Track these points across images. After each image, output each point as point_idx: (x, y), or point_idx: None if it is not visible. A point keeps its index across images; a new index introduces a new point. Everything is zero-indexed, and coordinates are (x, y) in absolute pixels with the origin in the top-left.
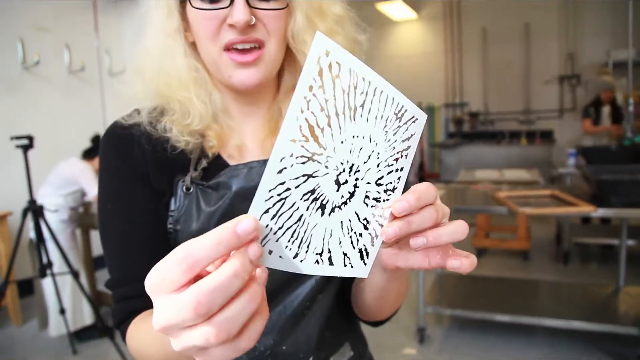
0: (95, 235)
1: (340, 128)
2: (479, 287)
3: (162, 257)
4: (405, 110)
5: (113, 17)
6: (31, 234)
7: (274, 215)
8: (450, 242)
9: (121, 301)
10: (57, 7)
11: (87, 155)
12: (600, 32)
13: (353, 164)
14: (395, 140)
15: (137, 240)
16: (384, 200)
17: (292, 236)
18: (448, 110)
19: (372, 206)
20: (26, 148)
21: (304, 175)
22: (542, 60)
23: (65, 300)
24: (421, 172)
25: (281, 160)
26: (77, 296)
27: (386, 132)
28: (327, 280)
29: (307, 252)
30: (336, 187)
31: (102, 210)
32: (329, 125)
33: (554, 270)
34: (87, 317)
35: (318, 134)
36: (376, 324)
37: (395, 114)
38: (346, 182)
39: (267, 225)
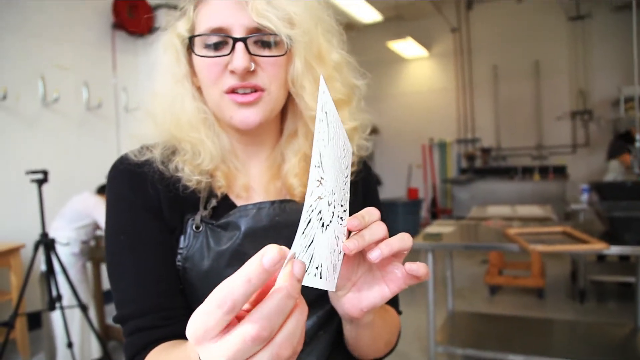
0: (105, 269)
1: (332, 152)
2: (492, 326)
3: (174, 288)
4: (351, 153)
5: (130, 55)
6: (42, 266)
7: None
8: (400, 250)
9: (135, 334)
10: (77, 45)
11: (102, 190)
12: (610, 67)
13: (332, 187)
14: (345, 184)
15: (151, 272)
16: (341, 219)
17: (311, 257)
18: (460, 146)
19: (340, 224)
20: (41, 182)
21: (315, 200)
22: (553, 96)
23: (73, 334)
24: (434, 208)
25: (311, 194)
26: (85, 330)
27: (346, 167)
28: (328, 317)
29: (311, 266)
30: (327, 205)
31: (113, 242)
32: (327, 153)
33: (569, 309)
34: (94, 351)
35: (324, 150)
36: None
37: (345, 151)
38: (329, 203)
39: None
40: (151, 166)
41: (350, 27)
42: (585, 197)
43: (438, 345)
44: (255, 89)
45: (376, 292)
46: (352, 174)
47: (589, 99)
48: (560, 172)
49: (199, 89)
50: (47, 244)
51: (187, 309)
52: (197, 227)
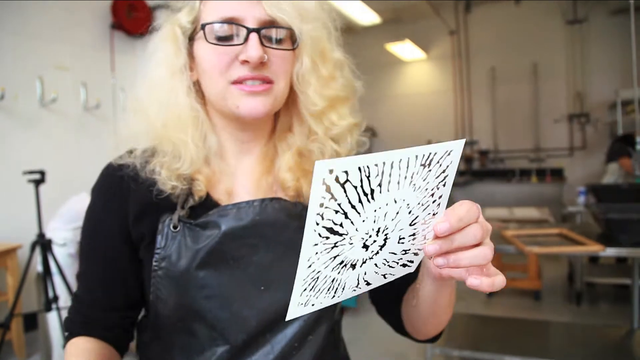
0: None
1: (359, 213)
2: (489, 328)
3: (114, 297)
4: (434, 154)
5: (129, 56)
6: (38, 267)
7: (311, 289)
8: (470, 266)
9: (77, 314)
10: (75, 45)
11: None
12: (607, 71)
13: (380, 227)
14: (427, 183)
15: (101, 276)
16: (422, 230)
17: (328, 291)
18: None
19: (410, 240)
20: (38, 182)
21: (330, 259)
22: (551, 99)
23: None
24: None
25: (309, 260)
26: None
27: (413, 185)
28: (316, 321)
29: (343, 290)
30: (364, 249)
31: (80, 241)
32: (347, 217)
33: (566, 311)
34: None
35: (337, 229)
36: (430, 340)
37: (421, 165)
38: (374, 242)
39: (306, 298)
40: (128, 169)
41: (348, 29)
42: (582, 199)
43: (435, 346)
44: (265, 81)
45: (459, 270)
46: None
47: (586, 101)
48: (557, 174)
49: (194, 84)
50: (43, 244)
51: (112, 327)
52: (175, 227)
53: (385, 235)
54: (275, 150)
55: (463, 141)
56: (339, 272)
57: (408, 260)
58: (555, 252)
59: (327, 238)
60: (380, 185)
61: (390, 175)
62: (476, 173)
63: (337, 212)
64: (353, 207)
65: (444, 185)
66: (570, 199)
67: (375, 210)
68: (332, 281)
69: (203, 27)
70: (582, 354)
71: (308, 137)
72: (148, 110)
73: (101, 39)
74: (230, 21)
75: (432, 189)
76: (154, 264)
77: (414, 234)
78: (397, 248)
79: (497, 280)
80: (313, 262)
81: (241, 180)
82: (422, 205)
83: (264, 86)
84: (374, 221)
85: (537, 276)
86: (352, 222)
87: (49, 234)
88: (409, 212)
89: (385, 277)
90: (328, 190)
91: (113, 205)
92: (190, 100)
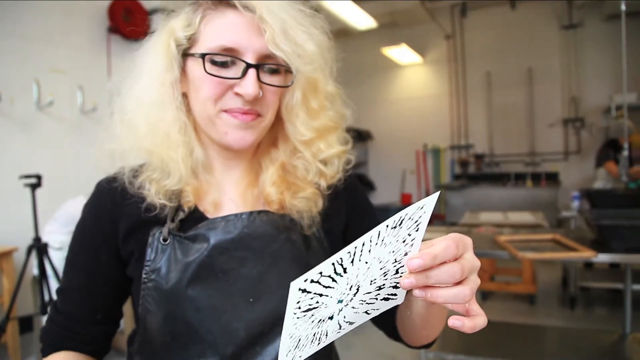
0: None
1: (333, 288)
2: (483, 332)
3: (95, 310)
4: (405, 215)
5: (126, 59)
6: (35, 270)
7: (295, 348)
8: (446, 303)
9: (56, 327)
10: (72, 49)
11: None
12: (601, 75)
13: (352, 285)
14: (398, 237)
15: (85, 290)
16: (394, 267)
17: (312, 342)
18: (454, 152)
19: (382, 277)
20: (34, 187)
21: (310, 323)
22: (546, 104)
23: None
24: None
25: (289, 334)
26: None
27: (385, 243)
28: None
29: (327, 336)
30: (340, 304)
31: (67, 255)
32: (322, 295)
33: (560, 315)
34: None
35: (314, 305)
36: (425, 346)
37: (392, 228)
38: (347, 294)
39: (292, 356)
40: (119, 185)
41: (345, 33)
42: (576, 204)
43: (429, 351)
44: (256, 114)
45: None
46: (329, 186)
47: (581, 106)
48: (552, 178)
49: (183, 95)
50: (40, 248)
51: (93, 339)
52: (165, 240)
53: (358, 286)
54: (260, 164)
55: (437, 195)
56: (318, 327)
57: (389, 294)
58: (547, 258)
59: (304, 314)
60: (352, 262)
61: (362, 251)
62: (472, 177)
63: (312, 298)
64: (327, 287)
65: (416, 230)
66: (565, 204)
67: (348, 278)
68: (314, 335)
69: (202, 56)
70: (575, 358)
71: (294, 153)
72: (136, 127)
73: (98, 42)
74: (229, 51)
75: (403, 238)
76: (144, 276)
77: (385, 273)
78: (370, 288)
79: (478, 322)
80: (294, 334)
81: (228, 192)
82: (393, 252)
83: (255, 119)
84: (347, 284)
85: (532, 280)
86: (327, 296)
87: (45, 238)
88: (380, 262)
89: (368, 314)
90: (304, 291)
91: (102, 221)
92: (179, 115)
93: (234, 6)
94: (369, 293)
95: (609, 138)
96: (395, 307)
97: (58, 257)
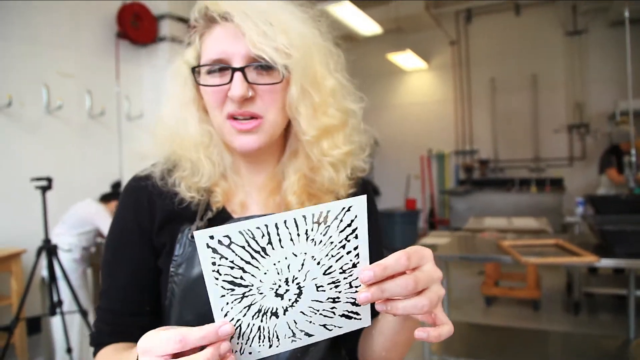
0: None
1: (255, 267)
2: (487, 337)
3: (143, 302)
4: (328, 212)
5: (134, 64)
6: (43, 272)
7: (238, 336)
8: (405, 314)
9: (105, 325)
10: (81, 54)
11: (105, 199)
12: (606, 81)
13: (287, 278)
14: (330, 236)
15: (123, 286)
16: (344, 279)
17: (260, 339)
18: (458, 158)
19: (332, 288)
20: (45, 189)
21: (245, 307)
22: (551, 109)
23: (72, 339)
24: (431, 218)
25: (222, 310)
26: (84, 335)
27: (312, 239)
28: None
29: (279, 340)
30: (279, 298)
31: (104, 252)
32: (245, 271)
33: (564, 321)
34: (92, 356)
35: (239, 282)
36: None
37: (315, 223)
38: (287, 290)
39: (238, 345)
40: (151, 182)
41: (350, 39)
42: (580, 210)
43: (433, 354)
44: (252, 117)
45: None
46: (347, 195)
47: (586, 112)
48: (557, 184)
49: (204, 110)
50: (49, 250)
51: (143, 329)
52: (192, 237)
53: (298, 284)
54: (283, 173)
55: (364, 197)
56: (261, 320)
57: (349, 312)
58: (551, 262)
59: (232, 290)
60: (270, 243)
61: (279, 234)
62: (476, 182)
63: (232, 268)
64: (248, 262)
65: (355, 237)
66: (569, 209)
67: (274, 264)
68: (259, 329)
69: (193, 70)
70: None
71: (315, 162)
72: (162, 139)
73: (106, 47)
74: (218, 61)
75: (340, 242)
76: (171, 270)
77: (334, 283)
78: (320, 296)
79: (443, 331)
80: (228, 312)
81: (253, 195)
82: (333, 256)
83: (253, 123)
84: (278, 272)
85: (536, 286)
86: (252, 275)
87: (53, 240)
88: (318, 264)
89: (328, 329)
90: (215, 252)
91: (141, 216)
92: (202, 126)
93: (217, 19)
94: (320, 302)
95: (612, 144)
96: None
97: (67, 259)
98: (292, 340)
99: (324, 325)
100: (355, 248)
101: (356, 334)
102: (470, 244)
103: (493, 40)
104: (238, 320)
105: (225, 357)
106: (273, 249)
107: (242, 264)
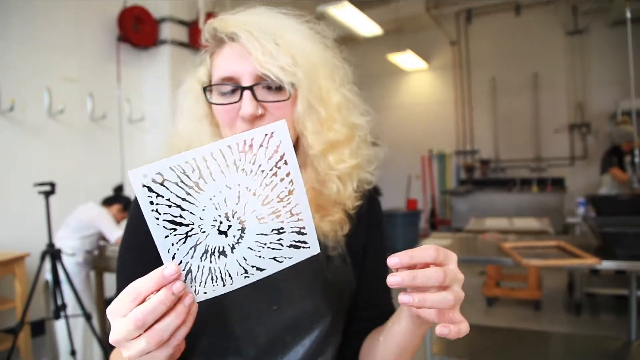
0: (108, 278)
1: (192, 204)
2: (488, 338)
3: None
4: (252, 139)
5: (135, 67)
6: (47, 275)
7: (191, 281)
8: (432, 307)
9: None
10: (82, 57)
11: (107, 202)
12: (607, 81)
13: (226, 213)
14: (260, 165)
15: None
16: (284, 207)
17: (213, 280)
18: (459, 158)
19: (274, 218)
20: (48, 194)
21: (191, 249)
22: (552, 109)
23: (76, 342)
24: (432, 219)
25: (169, 251)
26: (88, 338)
27: (243, 170)
28: (324, 342)
29: (232, 278)
30: (223, 235)
31: (118, 258)
32: (183, 209)
33: (566, 321)
34: (97, 358)
35: (179, 220)
36: None
37: (241, 152)
38: (230, 227)
39: (191, 284)
40: None
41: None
42: (581, 210)
43: (434, 356)
44: None
45: (433, 312)
46: (354, 207)
47: (587, 112)
48: (558, 184)
49: (218, 125)
50: (53, 254)
51: None
52: None
53: (239, 219)
54: None
55: (284, 121)
56: (210, 261)
57: (296, 241)
58: (552, 265)
59: (175, 230)
60: (202, 177)
61: (208, 167)
62: (477, 182)
63: (169, 206)
64: (184, 199)
65: (285, 163)
66: (570, 209)
67: (210, 199)
68: (210, 270)
69: (204, 89)
70: None
71: (323, 175)
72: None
73: (108, 51)
74: (228, 80)
75: (270, 170)
76: None
77: (274, 213)
78: (264, 229)
79: (462, 328)
80: (175, 253)
81: None
82: (267, 185)
83: None
84: (216, 208)
85: (537, 286)
86: (191, 213)
87: (57, 243)
88: (254, 194)
89: (278, 261)
90: (150, 190)
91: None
92: (215, 140)
93: (224, 39)
94: (265, 235)
95: (613, 145)
96: (365, 333)
97: (71, 263)
98: (245, 277)
99: (274, 258)
100: (288, 174)
101: (359, 341)
102: (472, 246)
103: (493, 41)
104: (187, 263)
105: (183, 296)
106: (206, 182)
107: (178, 201)
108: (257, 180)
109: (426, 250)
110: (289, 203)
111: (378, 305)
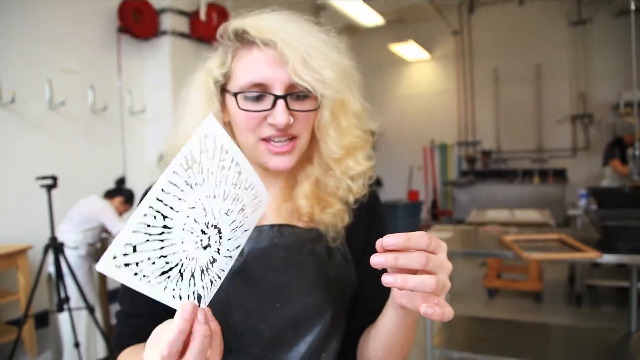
0: None
1: (171, 244)
2: (489, 330)
3: (160, 304)
4: (191, 152)
5: (135, 58)
6: (50, 268)
7: (204, 298)
8: (414, 289)
9: (127, 328)
10: (83, 49)
11: (109, 195)
12: (610, 72)
13: (201, 229)
14: (208, 169)
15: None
16: (239, 188)
17: (213, 283)
18: (461, 149)
19: (236, 202)
20: (50, 188)
21: (189, 279)
22: (554, 100)
23: (79, 334)
24: (434, 210)
25: (174, 297)
26: (91, 330)
27: (196, 183)
28: (326, 339)
29: (223, 270)
30: (208, 248)
31: None
32: (165, 255)
33: (566, 313)
34: (100, 350)
35: (167, 267)
36: None
37: (187, 170)
38: (209, 237)
39: (204, 299)
40: None
41: (352, 30)
42: (583, 202)
43: (435, 348)
44: (290, 137)
45: (416, 300)
46: (355, 201)
47: (590, 103)
48: (560, 175)
49: (226, 124)
50: (56, 247)
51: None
52: None
53: (212, 225)
54: (296, 179)
55: (210, 116)
56: (208, 274)
57: (254, 207)
58: (552, 258)
59: (168, 277)
60: (166, 217)
61: (166, 204)
62: (479, 173)
63: (153, 263)
64: (162, 247)
65: (226, 152)
66: (572, 201)
67: (182, 229)
68: (210, 279)
69: (235, 94)
70: (581, 356)
71: (327, 169)
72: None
73: (108, 42)
74: (259, 87)
75: (218, 167)
76: None
77: (235, 199)
78: (232, 217)
79: (447, 311)
80: (179, 294)
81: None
82: (221, 181)
83: (290, 145)
84: (191, 232)
85: (538, 278)
86: (174, 252)
87: (59, 237)
88: (214, 197)
89: (246, 230)
90: (128, 264)
91: None
92: None
93: (257, 43)
94: (234, 221)
95: (615, 136)
96: (360, 331)
97: (73, 256)
98: (229, 259)
99: (244, 230)
100: (232, 160)
101: (357, 337)
102: (473, 239)
103: (496, 31)
104: (194, 292)
105: (209, 321)
106: (171, 219)
107: (157, 253)
108: (211, 183)
109: (421, 236)
110: (242, 183)
111: (377, 301)
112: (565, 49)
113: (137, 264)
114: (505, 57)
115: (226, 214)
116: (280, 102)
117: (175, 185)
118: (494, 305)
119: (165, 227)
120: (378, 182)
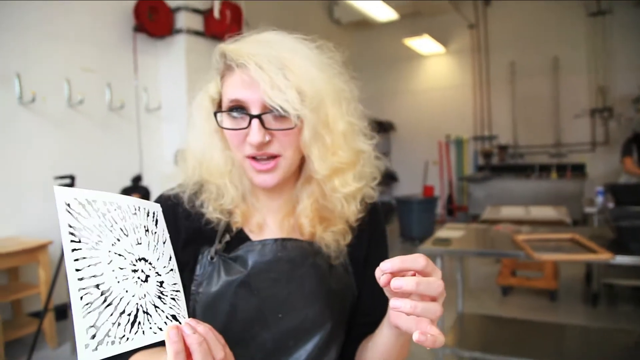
0: None
1: (118, 312)
2: (501, 329)
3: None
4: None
5: (151, 56)
6: None
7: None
8: (421, 315)
9: None
10: (100, 48)
11: (126, 192)
12: (631, 64)
13: (132, 268)
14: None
15: None
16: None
17: (177, 299)
18: (477, 143)
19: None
20: (68, 186)
21: (149, 312)
22: (572, 94)
23: None
24: (449, 205)
25: (148, 338)
26: None
27: (112, 245)
28: (326, 345)
29: (177, 283)
30: (146, 283)
31: None
32: (125, 324)
33: (582, 312)
34: None
35: (125, 320)
36: None
37: (134, 214)
38: (142, 271)
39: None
40: (179, 201)
41: (367, 24)
42: (600, 199)
43: (446, 347)
44: (271, 156)
45: (409, 322)
46: (356, 220)
47: (609, 96)
48: (578, 170)
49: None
50: None
51: None
52: (212, 258)
53: (137, 261)
54: (297, 197)
55: (57, 188)
56: (165, 296)
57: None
58: (564, 259)
59: (131, 326)
60: (95, 276)
61: (90, 271)
62: (495, 168)
63: (113, 343)
64: (110, 304)
65: (94, 202)
66: (589, 198)
67: (116, 277)
68: (175, 300)
69: (215, 114)
70: (596, 357)
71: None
72: (191, 164)
73: (124, 40)
74: (237, 104)
75: (99, 217)
76: (192, 288)
77: (137, 227)
78: (148, 241)
79: (438, 339)
80: (154, 331)
81: (269, 217)
82: (112, 225)
83: (272, 163)
84: (129, 288)
85: (554, 276)
86: (124, 313)
87: None
88: (119, 240)
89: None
90: (98, 354)
91: (167, 228)
92: (225, 155)
93: (234, 68)
94: (152, 248)
95: (634, 132)
96: (358, 341)
97: None
98: (173, 273)
99: (165, 242)
100: (104, 204)
101: (355, 348)
102: (485, 238)
103: (513, 23)
104: (167, 317)
105: (196, 329)
106: (103, 282)
107: (115, 314)
108: (106, 233)
109: (417, 258)
110: (126, 212)
111: (376, 313)
112: (584, 40)
113: (107, 335)
114: (521, 50)
115: (138, 243)
116: (255, 122)
117: (83, 258)
118: (508, 303)
119: (103, 293)
120: (393, 177)
